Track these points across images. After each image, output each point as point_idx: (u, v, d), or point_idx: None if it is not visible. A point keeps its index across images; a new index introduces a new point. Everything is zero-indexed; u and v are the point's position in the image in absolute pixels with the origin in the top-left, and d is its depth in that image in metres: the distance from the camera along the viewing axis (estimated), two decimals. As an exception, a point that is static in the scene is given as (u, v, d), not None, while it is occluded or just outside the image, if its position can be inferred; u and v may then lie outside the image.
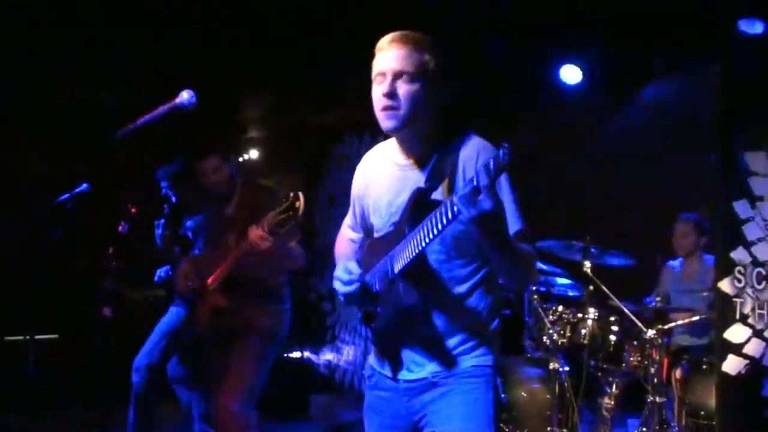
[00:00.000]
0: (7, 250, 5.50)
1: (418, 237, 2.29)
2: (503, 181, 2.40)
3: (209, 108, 3.32)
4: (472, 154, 2.43)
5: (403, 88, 2.41)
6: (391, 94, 2.41)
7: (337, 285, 2.55)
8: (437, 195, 2.41)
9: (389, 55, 2.42)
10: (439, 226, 2.20)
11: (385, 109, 2.43)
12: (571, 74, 6.02)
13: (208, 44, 5.46)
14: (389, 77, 2.41)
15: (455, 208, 2.13)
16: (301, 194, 3.47)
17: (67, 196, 4.11)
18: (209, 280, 4.12)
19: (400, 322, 2.48)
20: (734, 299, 3.88)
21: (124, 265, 4.39)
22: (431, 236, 2.24)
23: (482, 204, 2.06)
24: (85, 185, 4.15)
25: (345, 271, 2.53)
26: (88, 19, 5.07)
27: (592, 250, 4.93)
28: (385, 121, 2.45)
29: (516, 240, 2.36)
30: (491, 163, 2.04)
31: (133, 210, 4.47)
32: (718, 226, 4.03)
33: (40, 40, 5.27)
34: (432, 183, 2.44)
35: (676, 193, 5.71)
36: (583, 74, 5.98)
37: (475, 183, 2.07)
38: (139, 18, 5.12)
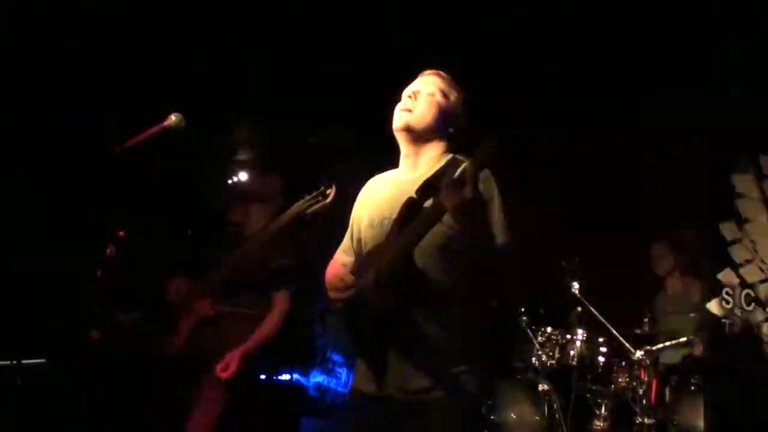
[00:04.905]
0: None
1: (404, 240, 2.40)
2: (494, 191, 2.51)
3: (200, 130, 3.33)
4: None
5: (422, 99, 2.73)
6: (412, 98, 2.72)
7: (333, 293, 2.61)
8: (428, 204, 2.45)
9: (423, 80, 2.81)
10: (423, 224, 2.37)
11: (402, 109, 2.72)
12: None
13: (200, 66, 5.47)
14: (415, 90, 2.76)
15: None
16: (333, 184, 3.53)
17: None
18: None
19: (384, 333, 2.51)
20: (723, 320, 3.90)
21: (113, 289, 4.36)
22: (415, 237, 2.38)
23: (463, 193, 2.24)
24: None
25: (339, 279, 2.59)
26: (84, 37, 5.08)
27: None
28: (397, 121, 2.72)
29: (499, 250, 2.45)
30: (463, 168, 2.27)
31: (122, 233, 4.44)
32: (705, 248, 4.06)
33: (35, 61, 5.26)
34: (423, 193, 2.50)
35: (663, 214, 5.72)
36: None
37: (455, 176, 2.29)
38: (132, 37, 5.12)
